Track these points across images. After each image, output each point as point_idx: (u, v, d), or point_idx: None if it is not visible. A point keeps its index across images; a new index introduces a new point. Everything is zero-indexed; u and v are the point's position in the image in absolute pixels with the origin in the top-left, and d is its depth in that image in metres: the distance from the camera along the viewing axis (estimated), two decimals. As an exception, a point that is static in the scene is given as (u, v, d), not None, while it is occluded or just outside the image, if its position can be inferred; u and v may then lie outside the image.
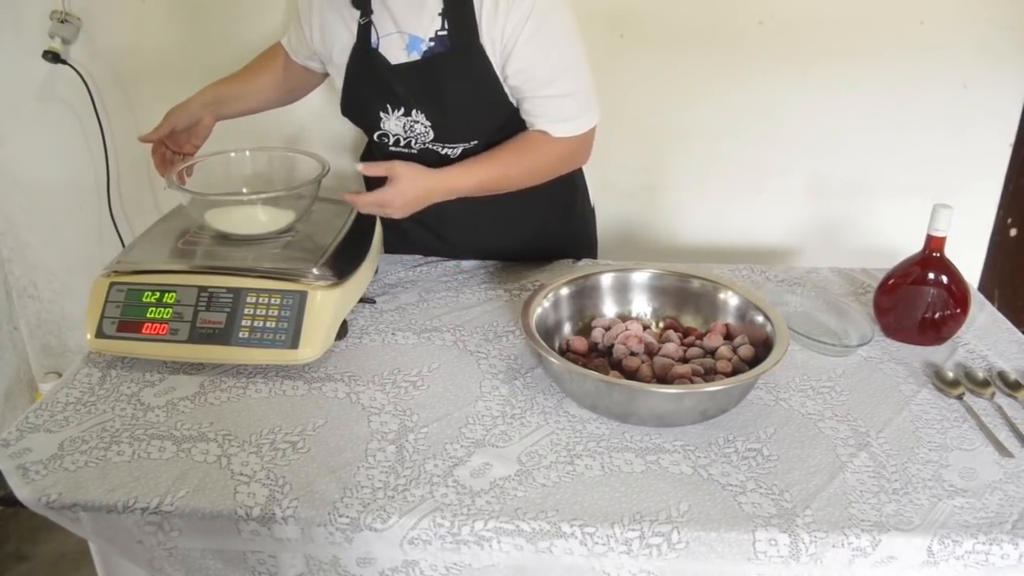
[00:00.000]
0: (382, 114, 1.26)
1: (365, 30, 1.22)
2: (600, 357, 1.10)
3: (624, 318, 1.19)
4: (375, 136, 1.31)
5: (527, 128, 1.25)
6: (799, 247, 1.96)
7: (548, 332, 1.10)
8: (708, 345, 1.10)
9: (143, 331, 1.09)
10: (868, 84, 1.77)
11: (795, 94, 1.79)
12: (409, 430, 1.00)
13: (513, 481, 0.91)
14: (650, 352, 1.10)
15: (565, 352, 1.12)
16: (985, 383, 1.10)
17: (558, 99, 1.21)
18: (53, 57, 1.76)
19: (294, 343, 1.07)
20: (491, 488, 0.90)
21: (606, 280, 1.20)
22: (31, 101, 1.87)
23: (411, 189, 1.16)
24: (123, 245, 1.95)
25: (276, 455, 0.95)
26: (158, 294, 1.10)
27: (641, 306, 1.21)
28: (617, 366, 1.07)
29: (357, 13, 1.22)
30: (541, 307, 1.11)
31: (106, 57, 1.82)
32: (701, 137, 1.85)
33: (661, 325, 1.20)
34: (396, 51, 1.21)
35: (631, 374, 1.05)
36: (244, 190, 1.28)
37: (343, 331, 1.16)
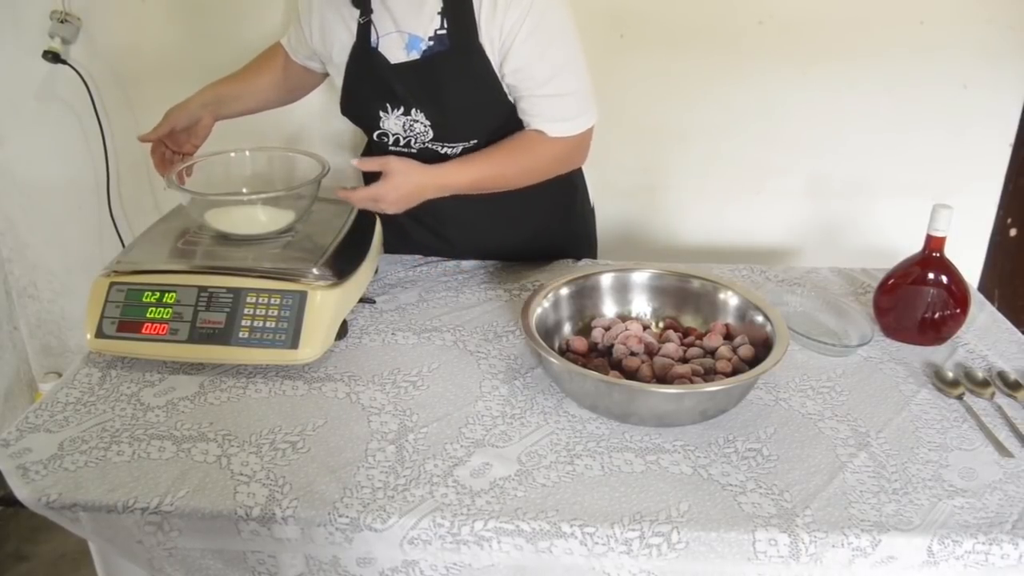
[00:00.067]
0: (382, 113, 1.26)
1: (365, 29, 1.22)
2: (600, 357, 1.09)
3: (624, 318, 1.19)
4: (375, 135, 1.31)
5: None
6: (799, 247, 1.96)
7: (548, 332, 1.10)
8: (708, 345, 1.10)
9: (143, 331, 1.09)
10: (868, 84, 1.77)
11: (795, 94, 1.79)
12: (409, 430, 1.00)
13: (513, 481, 0.91)
14: (650, 352, 1.10)
15: (565, 352, 1.12)
16: (985, 383, 1.10)
17: (555, 98, 1.21)
18: (53, 57, 1.76)
19: (294, 343, 1.07)
20: (491, 488, 0.90)
21: (606, 280, 1.20)
22: (31, 101, 1.87)
23: (404, 184, 1.16)
24: (123, 245, 1.95)
25: (276, 455, 0.95)
26: (158, 294, 1.10)
27: (641, 306, 1.21)
28: (617, 366, 1.07)
29: (357, 12, 1.22)
30: (541, 307, 1.11)
31: (106, 57, 1.82)
32: (701, 137, 1.85)
33: (661, 325, 1.20)
34: (396, 50, 1.21)
35: (631, 374, 1.05)
36: (244, 190, 1.28)
37: (343, 331, 1.16)
